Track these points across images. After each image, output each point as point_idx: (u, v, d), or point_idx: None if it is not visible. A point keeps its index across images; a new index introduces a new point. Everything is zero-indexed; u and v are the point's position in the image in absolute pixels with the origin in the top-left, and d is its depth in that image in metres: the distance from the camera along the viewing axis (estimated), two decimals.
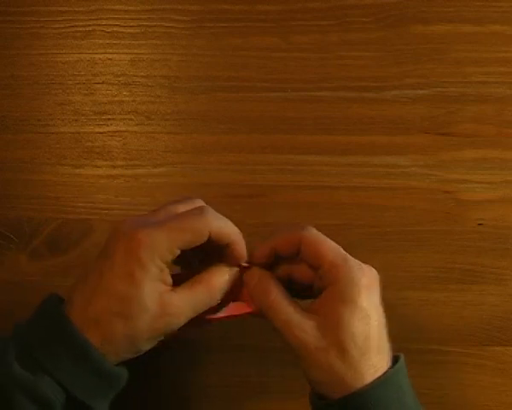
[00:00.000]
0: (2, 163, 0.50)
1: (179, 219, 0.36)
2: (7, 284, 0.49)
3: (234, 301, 0.39)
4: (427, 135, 0.51)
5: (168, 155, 0.51)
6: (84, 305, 0.35)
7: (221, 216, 0.37)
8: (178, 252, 0.36)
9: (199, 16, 0.51)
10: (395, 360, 0.37)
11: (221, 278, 0.38)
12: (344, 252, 0.37)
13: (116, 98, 0.51)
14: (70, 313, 0.35)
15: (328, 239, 0.38)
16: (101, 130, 0.51)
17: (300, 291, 0.39)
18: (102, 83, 0.51)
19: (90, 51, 0.51)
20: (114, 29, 0.51)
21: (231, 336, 0.49)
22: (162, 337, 0.37)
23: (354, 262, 0.37)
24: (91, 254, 0.47)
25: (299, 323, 0.36)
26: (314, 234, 0.38)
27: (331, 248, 0.37)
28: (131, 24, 0.51)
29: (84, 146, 0.51)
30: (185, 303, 0.36)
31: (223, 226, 0.37)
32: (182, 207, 0.38)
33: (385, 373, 0.35)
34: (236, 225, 0.38)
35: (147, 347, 0.36)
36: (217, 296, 0.38)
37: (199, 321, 0.38)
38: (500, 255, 0.50)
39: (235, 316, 0.39)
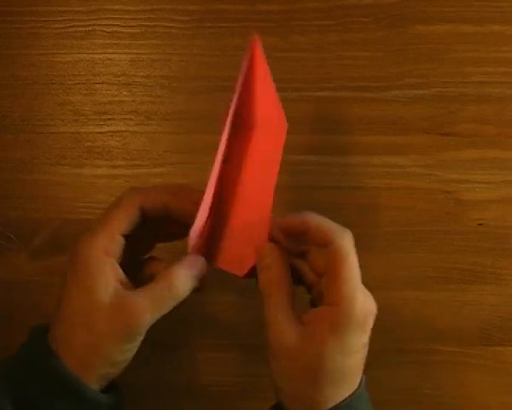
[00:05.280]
0: (2, 163, 0.50)
1: (108, 209, 0.37)
2: (7, 284, 0.49)
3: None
4: (427, 135, 0.51)
5: (168, 155, 0.51)
6: (61, 333, 0.35)
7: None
8: (120, 237, 0.36)
9: (199, 16, 0.51)
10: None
11: (181, 271, 0.35)
12: (359, 281, 0.34)
13: (116, 98, 0.51)
14: (55, 346, 0.34)
15: (354, 262, 0.34)
16: (101, 130, 0.51)
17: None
18: (102, 83, 0.51)
19: (90, 51, 0.51)
20: (114, 29, 0.51)
21: (232, 335, 0.49)
22: (131, 343, 0.35)
23: (362, 293, 0.34)
24: None
25: (287, 326, 0.34)
26: (346, 248, 0.34)
27: (351, 272, 0.34)
28: (131, 24, 0.51)
29: (84, 146, 0.51)
30: (144, 300, 0.34)
31: (153, 190, 0.37)
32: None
33: (345, 399, 0.34)
34: None
35: (118, 356, 0.34)
36: (179, 293, 0.35)
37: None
38: (500, 255, 0.50)
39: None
